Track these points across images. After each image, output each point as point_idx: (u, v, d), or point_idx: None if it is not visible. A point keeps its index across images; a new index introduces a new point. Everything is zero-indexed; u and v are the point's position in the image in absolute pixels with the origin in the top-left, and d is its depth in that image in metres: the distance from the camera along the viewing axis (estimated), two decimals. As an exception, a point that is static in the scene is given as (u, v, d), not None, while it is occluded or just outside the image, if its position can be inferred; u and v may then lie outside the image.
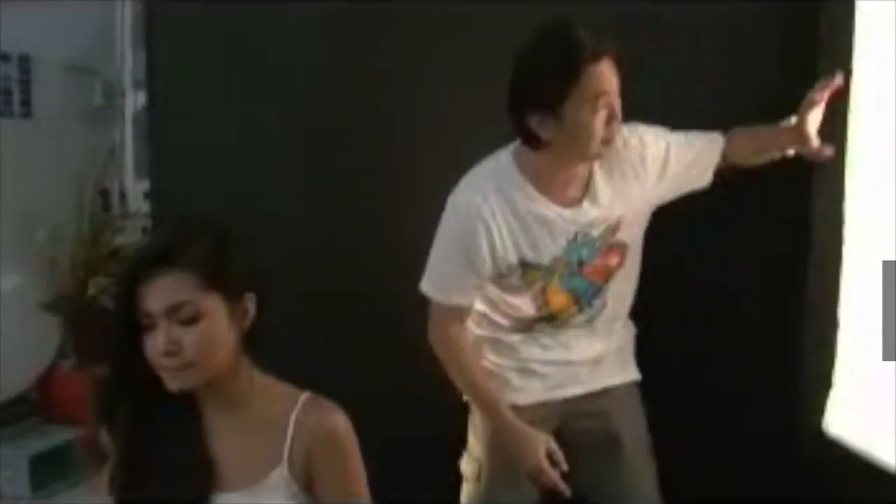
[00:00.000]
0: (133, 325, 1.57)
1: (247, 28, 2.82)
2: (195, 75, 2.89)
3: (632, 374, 2.33)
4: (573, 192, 2.11)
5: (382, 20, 2.65)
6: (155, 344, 1.56)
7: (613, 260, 2.18)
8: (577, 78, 1.93)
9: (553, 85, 1.95)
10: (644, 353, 2.33)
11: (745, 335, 2.39)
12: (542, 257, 2.11)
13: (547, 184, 2.08)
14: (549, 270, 2.13)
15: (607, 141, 2.02)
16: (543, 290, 2.16)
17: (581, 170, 2.10)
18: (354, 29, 2.69)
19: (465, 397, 2.28)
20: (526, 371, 2.24)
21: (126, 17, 4.19)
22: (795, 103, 2.09)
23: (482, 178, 2.12)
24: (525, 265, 2.12)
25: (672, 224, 2.24)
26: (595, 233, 2.13)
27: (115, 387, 1.65)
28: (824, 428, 2.25)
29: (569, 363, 2.24)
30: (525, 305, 2.18)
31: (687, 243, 2.37)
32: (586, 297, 2.19)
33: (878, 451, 2.04)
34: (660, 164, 2.15)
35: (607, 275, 2.18)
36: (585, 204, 2.11)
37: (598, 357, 2.26)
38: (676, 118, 2.22)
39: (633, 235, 2.19)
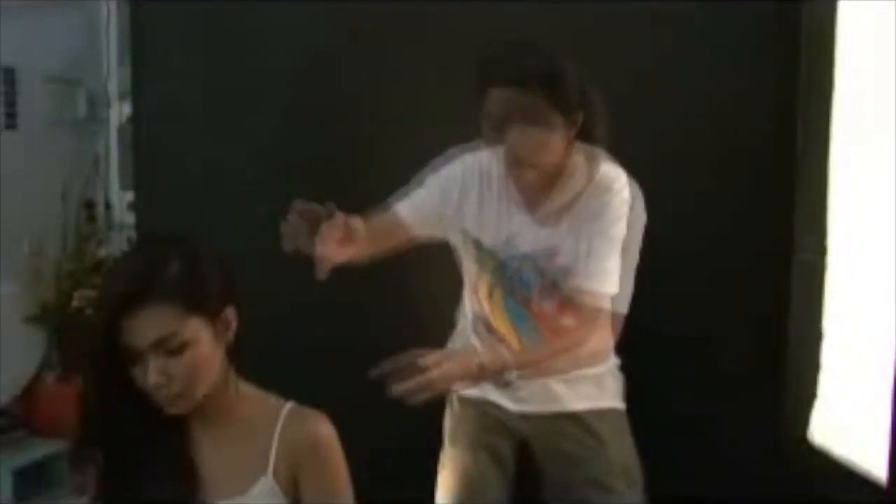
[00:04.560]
0: (118, 357, 1.55)
1: (232, 39, 2.81)
2: (180, 86, 2.88)
3: (609, 401, 2.23)
4: (529, 200, 2.09)
5: (373, 32, 2.66)
6: (145, 377, 1.55)
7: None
8: (482, 95, 1.96)
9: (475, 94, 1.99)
10: (629, 364, 2.34)
11: (731, 345, 2.40)
12: (484, 237, 2.11)
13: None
14: (491, 266, 2.12)
15: (507, 161, 2.01)
16: (488, 296, 2.15)
17: (536, 184, 2.05)
18: (344, 43, 2.69)
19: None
20: None
21: (111, 29, 4.17)
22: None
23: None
24: (473, 241, 2.13)
25: (658, 234, 2.25)
26: (526, 247, 2.08)
27: (100, 413, 1.62)
28: (809, 437, 2.26)
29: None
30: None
31: (675, 253, 2.38)
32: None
33: (862, 460, 2.05)
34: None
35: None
36: (525, 214, 2.09)
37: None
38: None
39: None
